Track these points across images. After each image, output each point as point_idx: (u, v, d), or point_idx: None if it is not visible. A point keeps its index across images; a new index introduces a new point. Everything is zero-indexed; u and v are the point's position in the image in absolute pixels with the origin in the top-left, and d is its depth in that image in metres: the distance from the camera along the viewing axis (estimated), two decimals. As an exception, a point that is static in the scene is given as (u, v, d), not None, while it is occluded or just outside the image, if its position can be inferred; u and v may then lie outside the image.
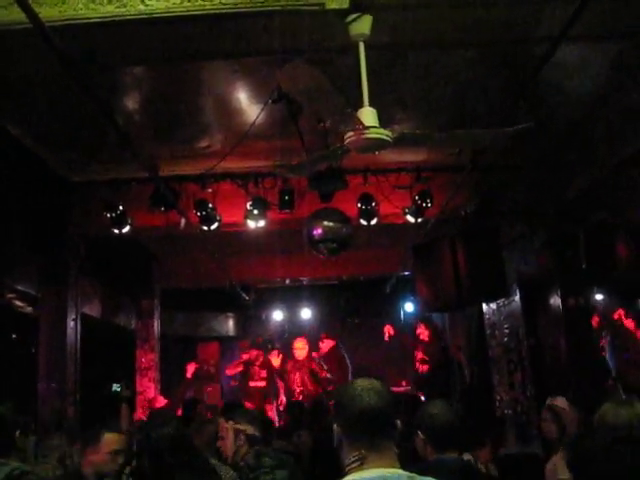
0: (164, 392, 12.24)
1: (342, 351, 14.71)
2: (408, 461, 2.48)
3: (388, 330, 14.41)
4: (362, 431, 2.34)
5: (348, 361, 14.57)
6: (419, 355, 12.98)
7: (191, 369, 13.79)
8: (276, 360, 13.75)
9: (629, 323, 11.12)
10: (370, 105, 4.00)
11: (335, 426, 2.43)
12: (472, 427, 4.58)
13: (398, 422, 2.42)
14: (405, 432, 3.34)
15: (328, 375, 13.04)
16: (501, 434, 8.22)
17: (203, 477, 3.40)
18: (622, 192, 8.15)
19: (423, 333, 13.25)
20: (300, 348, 13.19)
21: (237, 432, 4.26)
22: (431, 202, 7.93)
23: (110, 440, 3.88)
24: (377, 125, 3.85)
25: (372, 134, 3.80)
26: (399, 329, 15.13)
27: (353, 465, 2.31)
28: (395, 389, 13.08)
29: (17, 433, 3.36)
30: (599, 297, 10.80)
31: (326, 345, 14.72)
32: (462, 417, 3.72)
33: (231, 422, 4.33)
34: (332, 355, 14.60)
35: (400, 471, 2.30)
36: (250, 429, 4.02)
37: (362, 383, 2.43)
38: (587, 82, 6.30)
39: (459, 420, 3.62)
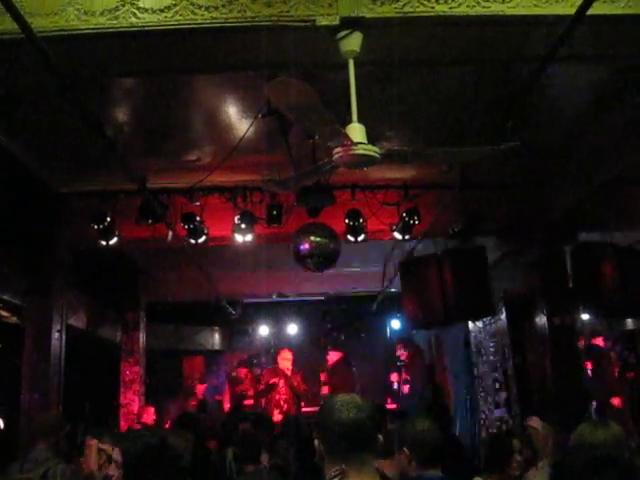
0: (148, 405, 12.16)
1: (350, 364, 14.74)
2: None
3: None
4: (341, 445, 2.35)
5: (355, 373, 14.58)
6: (403, 375, 12.97)
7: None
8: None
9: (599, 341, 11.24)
10: (359, 121, 4.03)
11: (316, 441, 2.42)
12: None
13: (380, 437, 2.42)
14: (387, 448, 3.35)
15: (305, 390, 13.11)
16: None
17: None
18: (609, 211, 8.21)
19: (403, 354, 13.26)
20: (286, 359, 13.24)
21: (100, 451, 4.59)
22: (418, 219, 7.95)
23: None
24: (365, 141, 3.88)
25: (360, 150, 3.83)
26: (385, 346, 15.12)
27: (334, 479, 2.31)
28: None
29: None
30: (585, 317, 10.86)
31: (332, 357, 14.70)
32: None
33: (95, 440, 4.66)
34: (338, 368, 14.59)
35: None
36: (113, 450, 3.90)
37: (342, 397, 2.45)
38: (575, 102, 6.36)
39: (439, 438, 3.64)
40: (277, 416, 12.37)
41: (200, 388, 14.39)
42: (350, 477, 2.30)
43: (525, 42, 4.96)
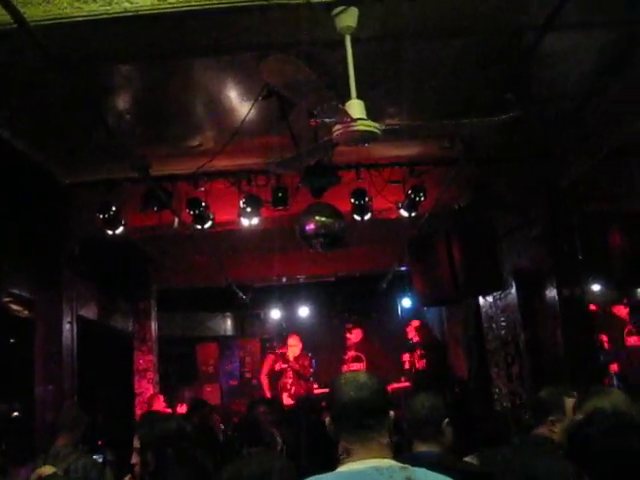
0: (162, 393, 12.22)
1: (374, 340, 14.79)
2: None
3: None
4: (346, 423, 2.37)
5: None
6: (417, 352, 12.97)
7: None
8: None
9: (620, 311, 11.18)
10: (360, 98, 3.99)
11: (327, 419, 2.45)
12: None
13: (391, 413, 2.42)
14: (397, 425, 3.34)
15: (311, 372, 13.22)
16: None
17: (202, 474, 3.41)
18: (615, 181, 8.16)
19: (417, 330, 13.26)
20: (293, 345, 13.36)
21: None
22: (424, 196, 7.91)
23: None
24: (365, 117, 3.85)
25: (359, 126, 3.80)
26: (397, 325, 15.12)
27: (342, 457, 2.34)
28: (395, 385, 13.13)
29: None
30: (596, 288, 10.83)
31: (355, 335, 14.69)
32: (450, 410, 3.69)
33: None
34: (363, 345, 14.63)
35: (392, 462, 2.31)
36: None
37: (347, 375, 2.50)
38: (578, 70, 6.28)
39: (436, 413, 3.59)
40: (286, 399, 12.56)
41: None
42: (355, 454, 2.32)
43: (526, 11, 4.91)
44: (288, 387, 12.90)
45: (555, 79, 6.34)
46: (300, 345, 13.43)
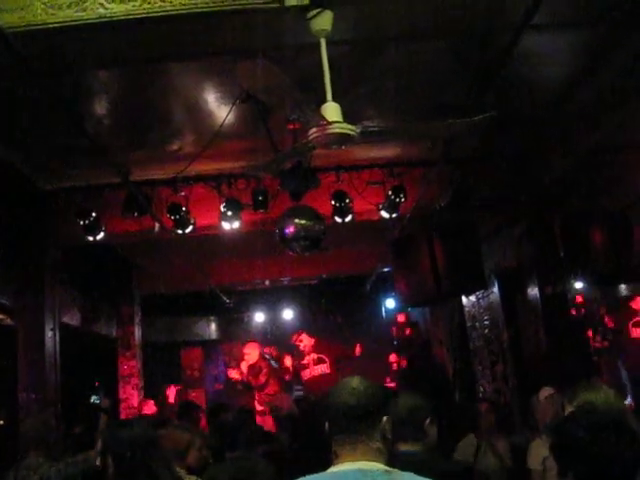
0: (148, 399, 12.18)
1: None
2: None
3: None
4: (336, 428, 2.44)
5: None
6: (400, 351, 13.03)
7: (172, 394, 13.62)
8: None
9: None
10: (338, 101, 3.99)
11: (327, 423, 2.53)
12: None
13: (384, 418, 2.45)
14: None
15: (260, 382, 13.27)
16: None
17: None
18: (595, 179, 8.20)
19: (402, 329, 13.32)
20: (248, 353, 13.39)
21: None
22: (405, 197, 7.91)
23: None
24: (341, 120, 3.84)
25: (335, 129, 3.79)
26: (381, 326, 15.15)
27: (333, 459, 2.41)
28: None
29: None
30: (579, 285, 10.90)
31: (306, 344, 14.74)
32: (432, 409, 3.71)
33: None
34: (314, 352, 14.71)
35: (378, 464, 2.35)
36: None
37: (342, 381, 2.56)
38: (557, 70, 6.31)
39: (417, 413, 3.60)
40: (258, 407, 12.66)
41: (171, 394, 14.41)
42: (342, 457, 2.38)
43: (503, 11, 4.92)
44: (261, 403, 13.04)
45: (534, 79, 6.37)
46: (257, 351, 13.42)
